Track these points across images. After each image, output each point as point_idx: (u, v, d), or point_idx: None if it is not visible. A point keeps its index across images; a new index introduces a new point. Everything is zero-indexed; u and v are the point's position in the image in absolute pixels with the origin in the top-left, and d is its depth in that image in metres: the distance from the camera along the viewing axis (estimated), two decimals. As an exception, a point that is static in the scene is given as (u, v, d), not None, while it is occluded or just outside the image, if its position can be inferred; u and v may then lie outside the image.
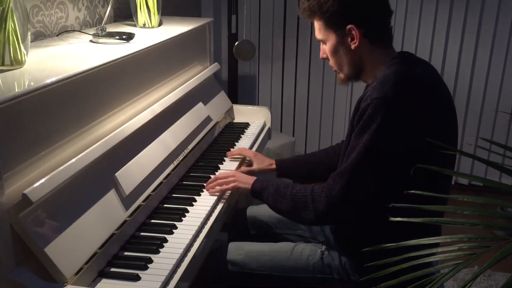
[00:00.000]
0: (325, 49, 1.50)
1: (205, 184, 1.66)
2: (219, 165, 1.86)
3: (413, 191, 0.97)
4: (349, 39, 1.42)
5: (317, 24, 1.48)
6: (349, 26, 1.40)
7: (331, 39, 1.45)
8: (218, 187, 1.61)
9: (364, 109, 1.33)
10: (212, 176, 1.75)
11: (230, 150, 1.98)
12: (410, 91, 1.34)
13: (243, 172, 1.79)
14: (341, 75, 1.52)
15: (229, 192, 1.65)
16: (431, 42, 3.11)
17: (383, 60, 1.43)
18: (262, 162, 1.86)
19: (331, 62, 1.51)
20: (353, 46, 1.42)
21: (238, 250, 1.57)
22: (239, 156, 1.92)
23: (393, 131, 1.32)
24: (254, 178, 1.58)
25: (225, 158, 1.92)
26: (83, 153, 1.28)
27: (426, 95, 1.37)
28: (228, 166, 1.86)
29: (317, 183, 1.54)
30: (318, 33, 1.49)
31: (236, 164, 1.88)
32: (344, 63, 1.48)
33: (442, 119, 1.40)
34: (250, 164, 1.89)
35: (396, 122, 1.32)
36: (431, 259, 0.89)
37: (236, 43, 2.88)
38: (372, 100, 1.32)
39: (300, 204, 1.43)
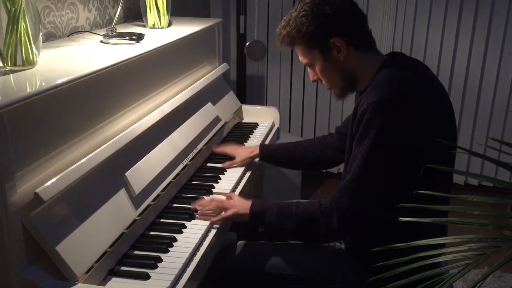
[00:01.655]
0: (314, 71, 1.49)
1: (197, 205, 1.52)
2: (228, 165, 1.86)
3: (422, 191, 0.97)
4: (335, 52, 1.42)
5: (299, 50, 1.47)
6: (332, 40, 1.40)
7: (318, 59, 1.44)
8: (215, 217, 1.48)
9: (362, 115, 1.32)
10: (221, 176, 1.76)
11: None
12: (404, 91, 1.33)
13: (226, 166, 1.82)
14: (336, 91, 1.51)
15: (238, 191, 1.66)
16: (441, 43, 3.10)
17: (372, 64, 1.43)
18: (244, 153, 1.86)
19: (324, 81, 1.50)
20: (341, 58, 1.42)
21: (246, 249, 1.57)
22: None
23: (392, 134, 1.31)
24: (250, 201, 1.49)
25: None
26: (93, 153, 1.29)
27: (420, 94, 1.36)
28: (236, 168, 1.86)
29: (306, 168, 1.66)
30: (303, 58, 1.48)
31: (242, 168, 1.87)
32: (337, 78, 1.47)
33: (438, 116, 1.39)
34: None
35: (394, 124, 1.31)
36: (441, 259, 0.89)
37: (248, 43, 2.88)
38: (369, 104, 1.30)
39: (309, 222, 1.38)
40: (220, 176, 1.77)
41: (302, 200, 1.46)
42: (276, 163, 1.92)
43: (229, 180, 1.75)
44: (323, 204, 1.37)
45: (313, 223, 1.38)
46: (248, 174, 1.83)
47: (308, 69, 1.52)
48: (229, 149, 1.92)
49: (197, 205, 1.51)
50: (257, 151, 1.86)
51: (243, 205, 1.48)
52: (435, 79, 1.46)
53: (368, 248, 1.11)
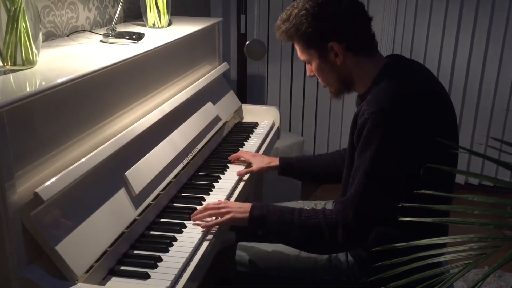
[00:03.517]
0: (311, 68, 1.47)
1: (192, 215, 1.46)
2: (228, 165, 1.86)
3: (424, 191, 0.97)
4: (333, 55, 1.39)
5: (298, 47, 1.45)
6: (330, 44, 1.37)
7: (315, 59, 1.42)
8: (210, 221, 1.42)
9: (362, 125, 1.30)
10: (221, 175, 1.76)
11: (239, 150, 1.98)
12: (406, 100, 1.31)
13: (241, 174, 1.75)
14: (332, 90, 1.50)
15: (238, 190, 1.65)
16: (441, 43, 3.10)
17: (371, 68, 1.41)
18: (262, 161, 1.79)
19: (320, 80, 1.49)
20: (338, 62, 1.39)
21: (246, 250, 1.57)
22: (243, 158, 1.85)
23: (395, 143, 1.29)
24: (249, 204, 1.42)
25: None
26: (93, 152, 1.29)
27: (422, 101, 1.34)
28: (236, 167, 1.86)
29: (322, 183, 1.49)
30: (301, 55, 1.46)
31: (242, 167, 1.87)
32: (332, 79, 1.45)
33: (441, 121, 1.37)
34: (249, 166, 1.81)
35: (396, 133, 1.29)
36: (441, 259, 0.89)
37: (247, 42, 2.88)
38: (370, 114, 1.28)
39: (313, 233, 1.34)
40: (220, 175, 1.77)
41: (303, 204, 1.44)
42: (295, 176, 1.83)
43: (230, 180, 1.74)
44: (327, 215, 1.34)
45: (317, 234, 1.34)
46: (248, 174, 1.83)
47: (306, 65, 1.51)
48: (246, 155, 1.85)
49: (192, 218, 1.45)
50: (276, 162, 1.78)
51: (241, 209, 1.42)
52: (437, 84, 1.43)
53: (368, 247, 1.11)
